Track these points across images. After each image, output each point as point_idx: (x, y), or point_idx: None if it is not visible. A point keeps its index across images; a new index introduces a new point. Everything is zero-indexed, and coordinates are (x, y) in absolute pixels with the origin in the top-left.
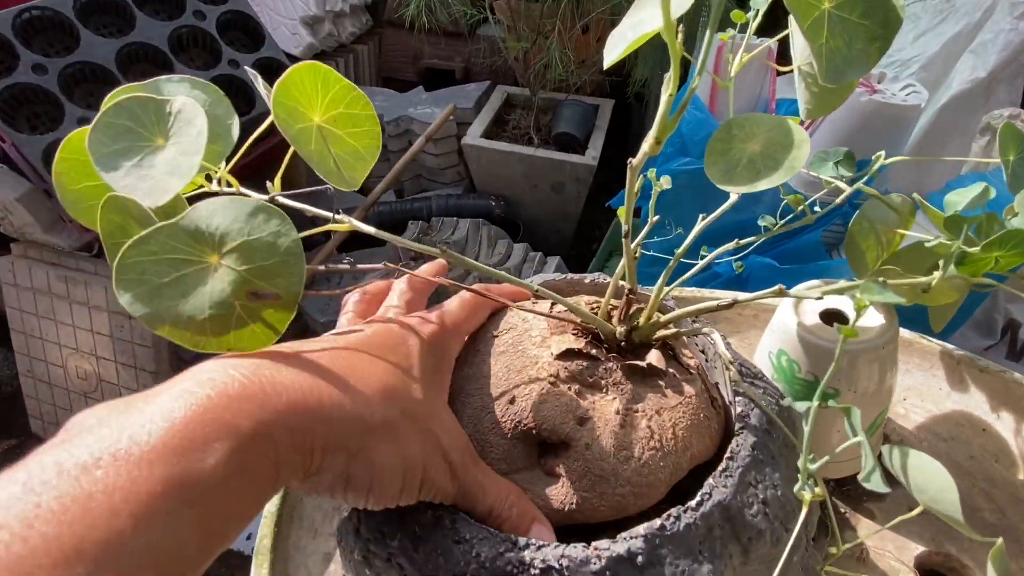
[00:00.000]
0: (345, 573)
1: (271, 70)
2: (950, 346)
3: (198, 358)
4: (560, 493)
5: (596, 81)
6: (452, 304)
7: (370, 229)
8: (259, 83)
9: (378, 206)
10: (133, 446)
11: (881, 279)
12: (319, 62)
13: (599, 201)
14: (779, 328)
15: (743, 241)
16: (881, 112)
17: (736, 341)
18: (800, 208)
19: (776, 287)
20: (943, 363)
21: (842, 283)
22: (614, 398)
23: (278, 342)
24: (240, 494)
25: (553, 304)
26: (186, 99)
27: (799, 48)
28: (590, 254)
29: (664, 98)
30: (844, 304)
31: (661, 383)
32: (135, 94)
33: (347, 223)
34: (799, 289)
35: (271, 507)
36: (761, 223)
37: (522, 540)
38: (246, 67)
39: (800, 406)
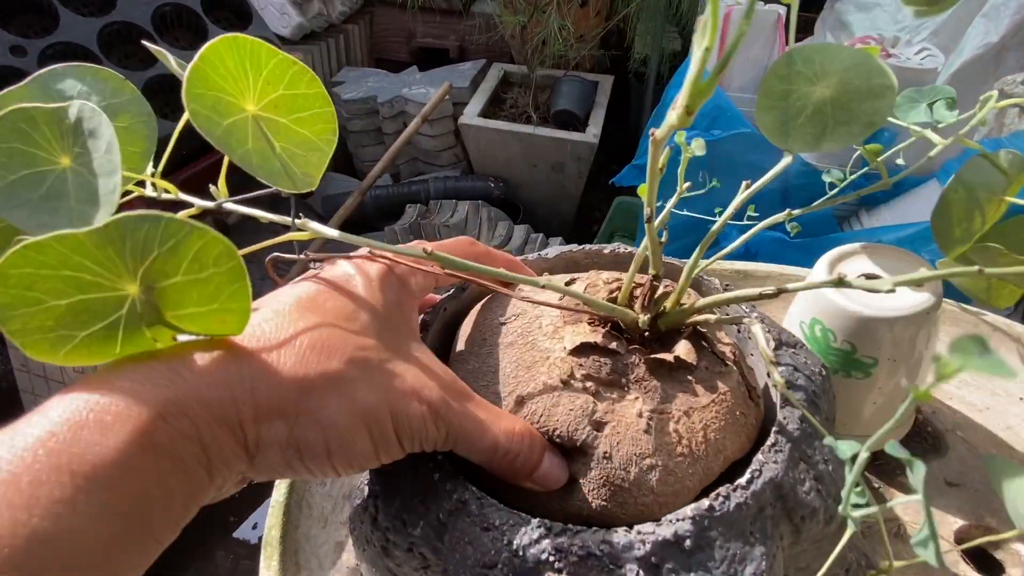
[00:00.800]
0: (359, 563)
1: None
2: (981, 310)
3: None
4: (577, 502)
5: (595, 56)
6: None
7: (334, 233)
8: (168, 63)
9: (374, 190)
10: (19, 439)
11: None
12: (242, 35)
13: (599, 181)
14: (813, 296)
15: (795, 212)
16: (898, 77)
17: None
18: (876, 162)
19: (835, 276)
20: (975, 331)
21: (923, 272)
22: (636, 398)
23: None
24: (161, 477)
25: (565, 310)
26: (82, 104)
27: None
28: (591, 235)
29: (698, 54)
30: (882, 269)
31: (691, 378)
32: (19, 106)
33: (309, 230)
34: (868, 282)
35: (279, 497)
36: (826, 179)
37: (558, 525)
38: (153, 47)
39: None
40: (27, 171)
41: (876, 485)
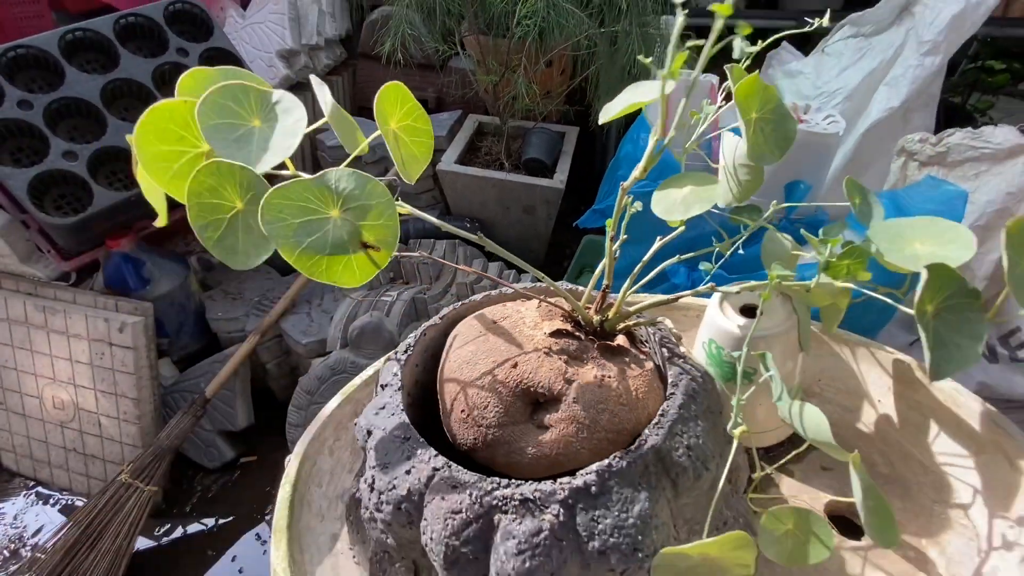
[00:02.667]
0: (351, 547)
1: None
2: (854, 336)
3: (176, 384)
4: (550, 439)
5: (561, 110)
6: None
7: (430, 217)
8: (323, 91)
9: None
10: None
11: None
12: (399, 83)
13: (568, 222)
14: (709, 322)
15: (684, 256)
16: (807, 139)
17: (685, 338)
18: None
19: (708, 284)
20: (850, 351)
21: (752, 283)
22: (592, 367)
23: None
24: None
25: (542, 302)
26: (286, 92)
27: (728, 148)
28: (561, 272)
29: (652, 141)
30: (754, 300)
31: (627, 359)
32: (240, 81)
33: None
34: (724, 288)
35: (284, 494)
36: (716, 245)
37: (505, 481)
38: (311, 76)
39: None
40: (227, 120)
41: (769, 472)
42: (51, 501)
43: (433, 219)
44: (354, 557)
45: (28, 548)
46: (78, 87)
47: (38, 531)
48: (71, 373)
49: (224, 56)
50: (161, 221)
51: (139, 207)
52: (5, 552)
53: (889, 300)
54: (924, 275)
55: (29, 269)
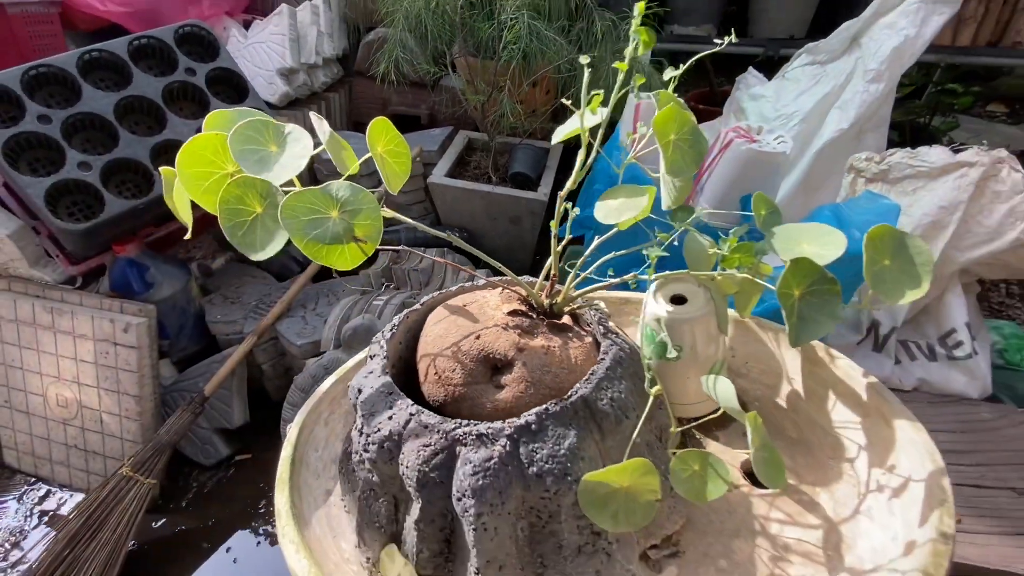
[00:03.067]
0: (342, 499)
1: None
2: (775, 324)
3: (175, 384)
4: (505, 396)
5: (546, 128)
6: None
7: (409, 220)
8: (321, 125)
9: None
10: None
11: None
12: (386, 119)
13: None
14: (648, 309)
15: (619, 253)
16: (757, 157)
17: (631, 332)
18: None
19: (632, 275)
20: (772, 337)
21: (669, 273)
22: (541, 339)
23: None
24: None
25: (504, 288)
26: (295, 125)
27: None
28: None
29: (577, 164)
30: (684, 291)
31: (569, 334)
32: (263, 117)
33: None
34: (652, 279)
35: (286, 454)
36: (645, 252)
37: (466, 421)
38: (311, 113)
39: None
40: (251, 147)
41: (698, 437)
42: (51, 497)
43: (411, 222)
44: (344, 506)
45: (29, 542)
46: (93, 103)
47: (38, 525)
48: (76, 372)
49: (228, 75)
50: (188, 235)
51: (146, 215)
52: (7, 545)
53: (770, 286)
54: (787, 265)
55: (37, 273)
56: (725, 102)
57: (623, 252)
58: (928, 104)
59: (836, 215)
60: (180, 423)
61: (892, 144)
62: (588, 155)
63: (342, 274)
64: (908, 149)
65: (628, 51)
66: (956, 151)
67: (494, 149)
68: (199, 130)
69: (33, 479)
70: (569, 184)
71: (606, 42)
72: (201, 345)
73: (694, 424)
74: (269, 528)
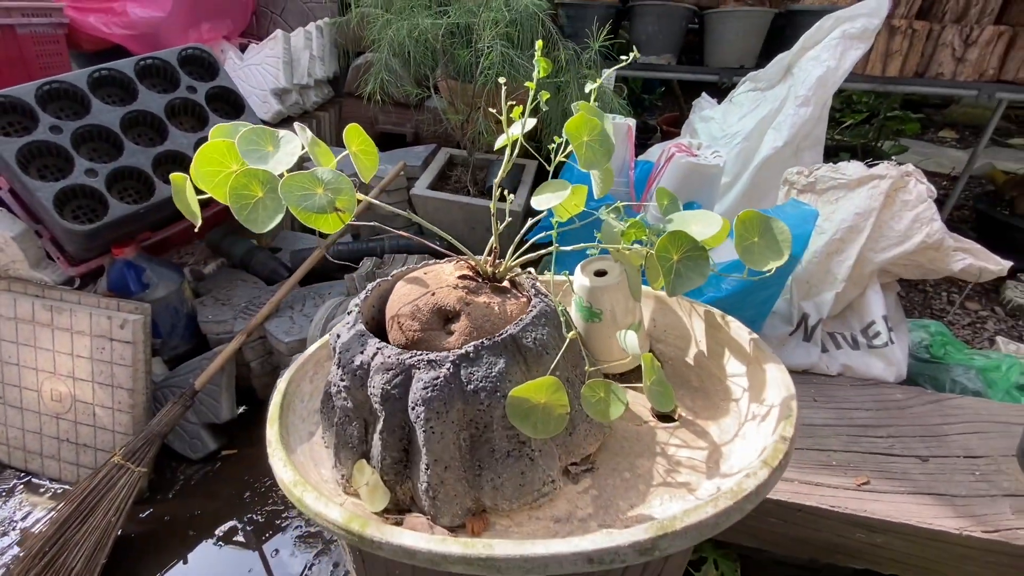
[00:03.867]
0: (323, 437)
1: None
2: (687, 299)
3: (166, 380)
4: (454, 339)
5: (521, 146)
6: None
7: (383, 204)
8: (304, 133)
9: (337, 246)
10: None
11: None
12: (357, 124)
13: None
14: (576, 281)
15: (549, 232)
16: (695, 169)
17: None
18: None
19: (554, 246)
20: (687, 309)
21: (583, 244)
22: (484, 297)
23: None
24: None
25: (457, 261)
26: (287, 131)
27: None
28: None
29: (504, 160)
30: (605, 266)
31: (508, 295)
32: (261, 126)
33: (366, 199)
34: (585, 260)
35: (276, 399)
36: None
37: (419, 352)
38: (296, 123)
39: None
40: (253, 147)
41: (599, 367)
42: (41, 490)
43: (385, 204)
44: (325, 443)
45: (17, 533)
46: (101, 116)
47: (26, 516)
48: (71, 367)
49: (226, 93)
50: (197, 223)
51: (145, 219)
52: None
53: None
54: (666, 234)
55: (38, 274)
56: None
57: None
58: (876, 129)
59: None
60: (171, 415)
61: None
62: (512, 152)
63: (330, 276)
64: (830, 164)
65: (592, 88)
66: (870, 165)
67: (473, 164)
68: (199, 142)
69: (23, 473)
70: (499, 175)
71: (570, 68)
72: (192, 344)
73: (600, 367)
74: (254, 518)
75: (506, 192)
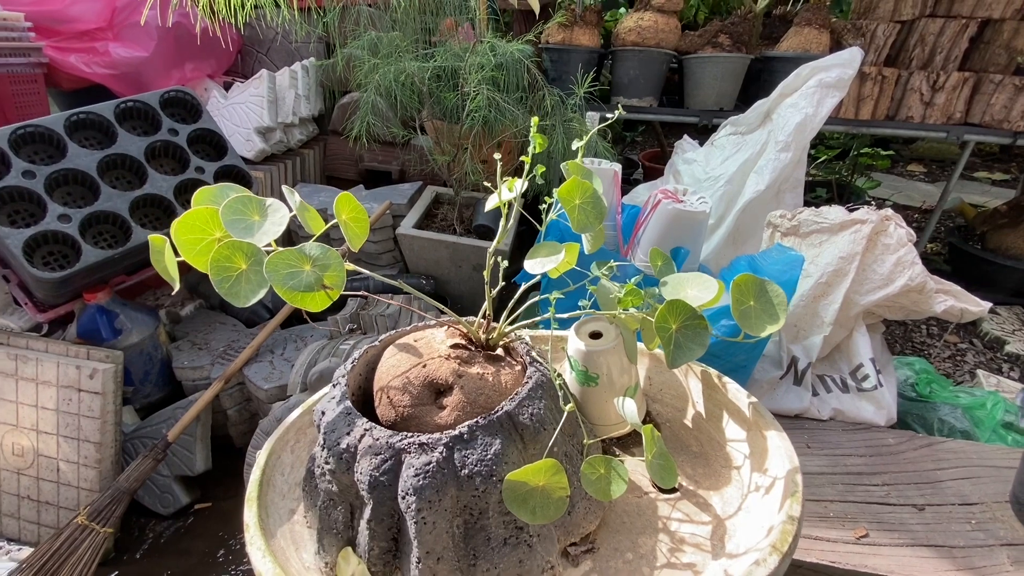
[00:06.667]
0: (305, 515)
1: (231, 175)
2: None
3: (137, 431)
4: (447, 415)
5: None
6: None
7: (371, 274)
8: (292, 197)
9: None
10: None
11: (595, 312)
12: (349, 194)
13: (510, 280)
14: (570, 344)
15: (545, 296)
16: (681, 215)
17: (558, 366)
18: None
19: (577, 334)
20: (683, 369)
21: (578, 312)
22: (477, 367)
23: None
24: None
25: (446, 324)
26: (275, 199)
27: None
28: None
29: (500, 228)
30: (601, 328)
31: (502, 363)
32: (248, 194)
33: (352, 266)
34: (576, 321)
35: (255, 476)
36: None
37: (410, 434)
38: (284, 186)
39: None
40: (238, 217)
41: (618, 454)
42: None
43: (371, 274)
44: (307, 522)
45: None
46: (78, 160)
47: None
48: (35, 419)
49: (209, 135)
50: (176, 287)
51: (120, 264)
52: None
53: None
54: (664, 305)
55: (3, 320)
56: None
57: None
58: (848, 165)
59: (751, 264)
60: (141, 469)
61: (821, 200)
62: (508, 221)
63: (313, 318)
64: (812, 208)
65: (579, 145)
66: (851, 210)
67: (459, 203)
68: (179, 185)
69: None
70: (496, 242)
71: (555, 113)
72: (165, 392)
73: (602, 438)
74: None
75: (500, 260)
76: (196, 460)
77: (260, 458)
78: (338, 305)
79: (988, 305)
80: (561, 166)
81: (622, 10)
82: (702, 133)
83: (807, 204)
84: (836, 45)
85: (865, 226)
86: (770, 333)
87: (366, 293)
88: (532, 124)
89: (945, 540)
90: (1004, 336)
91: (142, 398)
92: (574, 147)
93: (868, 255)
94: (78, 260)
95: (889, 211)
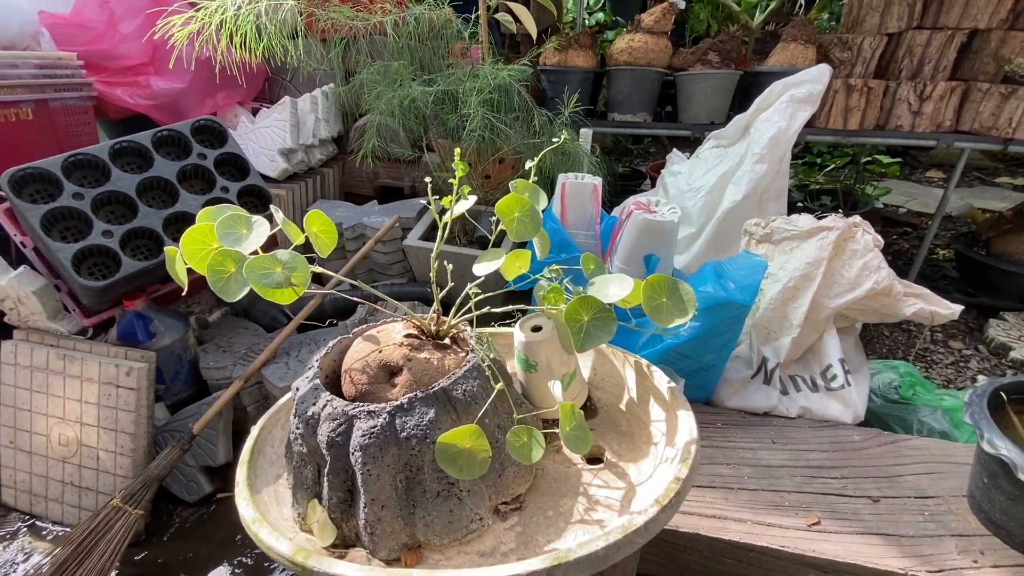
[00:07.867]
0: (287, 477)
1: (252, 194)
2: (620, 350)
3: (167, 425)
4: (397, 391)
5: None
6: None
7: (331, 273)
8: (278, 214)
9: (333, 296)
10: None
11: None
12: (318, 210)
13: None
14: (515, 336)
15: (494, 292)
16: (651, 225)
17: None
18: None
19: (521, 329)
20: (621, 359)
21: (521, 306)
22: (425, 353)
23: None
24: None
25: (405, 319)
26: (260, 216)
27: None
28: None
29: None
30: (541, 322)
31: (448, 350)
32: (239, 212)
33: (318, 268)
34: (525, 317)
35: (248, 445)
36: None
37: (362, 403)
38: (272, 206)
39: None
40: (230, 231)
41: (525, 416)
42: (43, 533)
43: (361, 284)
44: (288, 483)
45: (19, 574)
46: (120, 183)
47: (27, 558)
48: (79, 412)
49: (233, 158)
50: (184, 289)
51: (154, 274)
52: None
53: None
54: (577, 298)
55: (54, 325)
56: None
57: (498, 291)
58: (851, 174)
59: (716, 270)
60: (169, 458)
61: (827, 207)
62: (446, 232)
63: (326, 324)
64: (784, 216)
65: (531, 166)
66: (819, 218)
67: (462, 216)
68: (207, 202)
69: (28, 516)
70: (435, 250)
71: (544, 132)
72: (193, 390)
73: (533, 414)
74: (246, 561)
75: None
76: (218, 452)
77: (254, 430)
78: (349, 311)
79: (958, 308)
80: (510, 184)
81: (609, 33)
82: (695, 146)
83: (812, 212)
84: (823, 59)
85: (832, 233)
86: (678, 325)
87: (332, 291)
88: (531, 165)
89: (895, 530)
90: (1010, 342)
91: (172, 395)
92: (526, 167)
93: (836, 260)
94: (118, 270)
95: (857, 218)
